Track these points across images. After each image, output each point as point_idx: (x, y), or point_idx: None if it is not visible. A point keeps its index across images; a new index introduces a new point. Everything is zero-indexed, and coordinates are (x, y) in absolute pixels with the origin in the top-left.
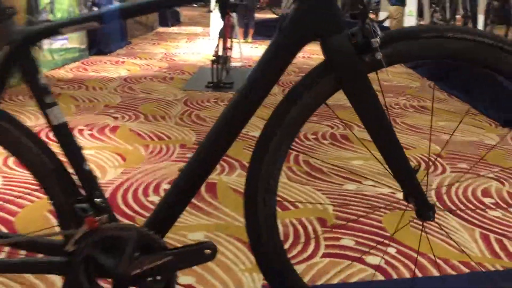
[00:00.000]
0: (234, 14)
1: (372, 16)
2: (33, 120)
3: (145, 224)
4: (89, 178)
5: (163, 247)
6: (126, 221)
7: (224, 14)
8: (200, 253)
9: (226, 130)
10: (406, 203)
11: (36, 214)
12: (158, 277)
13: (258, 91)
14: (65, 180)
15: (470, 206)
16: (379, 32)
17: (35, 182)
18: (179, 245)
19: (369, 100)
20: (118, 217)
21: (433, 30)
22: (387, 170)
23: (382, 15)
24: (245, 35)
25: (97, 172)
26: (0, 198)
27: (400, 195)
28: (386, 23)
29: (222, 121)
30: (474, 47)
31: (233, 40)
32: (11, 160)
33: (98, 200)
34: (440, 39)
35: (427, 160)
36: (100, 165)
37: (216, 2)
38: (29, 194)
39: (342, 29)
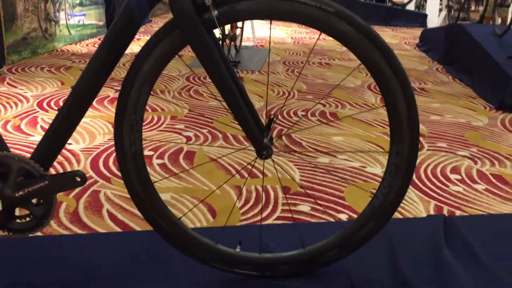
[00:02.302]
0: None
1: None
2: (39, 89)
3: (31, 156)
4: None
5: (41, 175)
6: (22, 152)
7: None
8: (72, 180)
9: (95, 76)
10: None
11: None
12: (41, 200)
13: (110, 56)
14: None
15: (434, 180)
16: None
17: (29, 144)
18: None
19: (209, 55)
20: (96, 177)
21: None
22: (230, 114)
23: None
24: None
25: (87, 137)
26: None
27: (369, 169)
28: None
29: (92, 66)
30: (301, 9)
31: None
32: (9, 125)
33: None
34: (273, 0)
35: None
36: (91, 131)
37: None
38: None
39: None
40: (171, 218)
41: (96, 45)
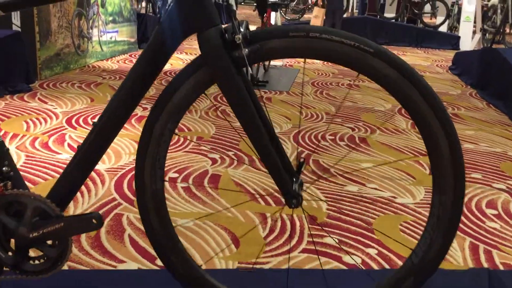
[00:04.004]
0: (273, 14)
1: (427, 20)
2: (69, 106)
3: (47, 195)
4: None
5: (58, 215)
6: (34, 192)
7: (263, 13)
8: (88, 222)
9: (118, 113)
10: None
11: (47, 191)
12: (56, 242)
13: (141, 84)
14: None
15: (468, 215)
16: (242, 29)
17: (55, 163)
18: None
19: (238, 95)
20: (119, 199)
21: (301, 30)
22: (258, 155)
23: (439, 19)
24: None
25: (112, 157)
26: None
27: (400, 199)
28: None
29: (113, 107)
30: (337, 48)
31: None
32: (37, 142)
33: (5, 168)
34: (306, 38)
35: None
36: (117, 150)
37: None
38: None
39: (215, 24)
40: (189, 261)
41: (127, 62)
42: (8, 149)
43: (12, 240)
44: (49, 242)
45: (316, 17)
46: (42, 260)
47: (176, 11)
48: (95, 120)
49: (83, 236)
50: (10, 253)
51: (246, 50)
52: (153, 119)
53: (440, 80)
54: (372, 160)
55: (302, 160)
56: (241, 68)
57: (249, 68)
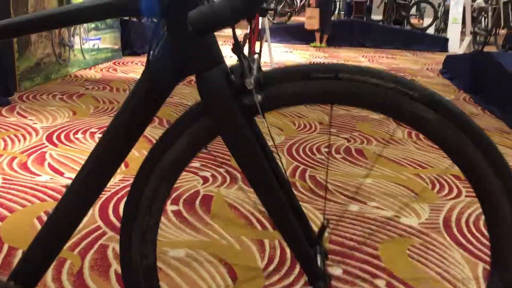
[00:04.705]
0: (261, 18)
1: (415, 21)
2: (50, 120)
3: (10, 275)
4: None
5: None
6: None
7: (251, 19)
8: None
9: (97, 173)
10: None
11: (24, 220)
12: None
13: (125, 137)
14: None
15: (478, 236)
16: (255, 71)
17: (34, 186)
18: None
19: (248, 152)
20: (104, 227)
21: (328, 70)
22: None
23: (426, 21)
24: (321, 40)
25: None
26: None
27: (404, 219)
28: None
29: (92, 163)
30: (373, 92)
31: (269, 43)
32: (15, 163)
33: None
34: (334, 80)
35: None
36: None
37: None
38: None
39: (218, 63)
40: None
41: (111, 70)
42: None
43: None
44: None
45: (311, 17)
46: None
47: (169, 48)
48: (68, 182)
49: (64, 274)
50: None
51: (259, 96)
52: (143, 180)
53: (432, 85)
54: (372, 174)
55: (325, 223)
56: (251, 118)
57: (265, 121)
